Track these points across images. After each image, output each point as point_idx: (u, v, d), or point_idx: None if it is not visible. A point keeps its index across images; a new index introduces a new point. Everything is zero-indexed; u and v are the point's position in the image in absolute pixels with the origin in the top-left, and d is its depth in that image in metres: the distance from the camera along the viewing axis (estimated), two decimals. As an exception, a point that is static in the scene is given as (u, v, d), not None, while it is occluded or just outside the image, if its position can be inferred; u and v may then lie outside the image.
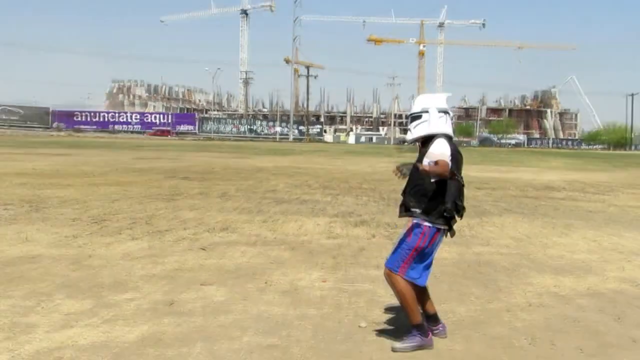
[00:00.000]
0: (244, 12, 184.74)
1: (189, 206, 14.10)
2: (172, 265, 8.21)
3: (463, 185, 5.46)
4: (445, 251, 9.33)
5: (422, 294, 5.60)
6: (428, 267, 5.53)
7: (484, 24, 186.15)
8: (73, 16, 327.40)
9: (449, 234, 5.49)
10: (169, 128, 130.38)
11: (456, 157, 5.38)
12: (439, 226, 5.37)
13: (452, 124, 5.55)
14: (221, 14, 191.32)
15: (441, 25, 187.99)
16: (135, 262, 8.33)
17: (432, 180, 5.25)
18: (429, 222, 5.33)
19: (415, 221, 5.37)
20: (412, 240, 5.36)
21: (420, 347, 5.35)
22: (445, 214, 5.32)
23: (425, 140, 5.40)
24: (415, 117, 5.47)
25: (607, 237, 11.56)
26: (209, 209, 13.66)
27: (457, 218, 5.49)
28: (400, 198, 5.59)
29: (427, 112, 5.42)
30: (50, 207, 13.29)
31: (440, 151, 5.22)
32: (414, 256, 5.38)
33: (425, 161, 5.27)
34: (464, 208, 5.49)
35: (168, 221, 11.85)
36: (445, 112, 5.45)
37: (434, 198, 5.31)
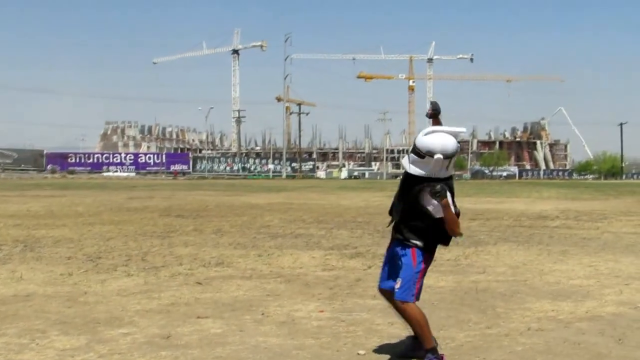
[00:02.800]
0: (235, 52, 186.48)
1: (184, 242, 14.06)
2: (168, 299, 8.15)
3: (459, 214, 5.48)
4: (442, 280, 9.31)
5: None
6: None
7: (472, 59, 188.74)
8: (66, 58, 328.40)
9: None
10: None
11: (451, 189, 5.43)
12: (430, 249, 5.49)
13: (453, 163, 5.34)
14: (213, 55, 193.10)
15: (430, 60, 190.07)
16: (130, 297, 8.27)
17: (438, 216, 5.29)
18: (424, 248, 5.42)
19: (416, 245, 5.40)
20: (417, 264, 5.41)
21: None
22: (444, 245, 5.51)
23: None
24: (418, 153, 5.23)
25: (604, 262, 11.54)
26: (203, 245, 13.62)
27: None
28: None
29: (431, 156, 5.16)
30: (45, 246, 13.23)
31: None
32: (421, 280, 5.48)
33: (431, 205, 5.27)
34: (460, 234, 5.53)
35: (163, 257, 11.80)
36: (452, 157, 5.23)
37: (435, 233, 5.41)
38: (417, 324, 5.42)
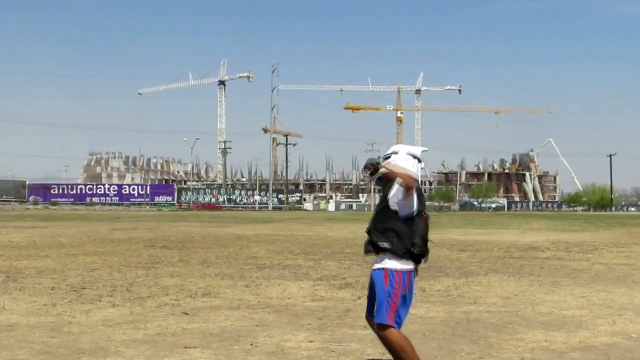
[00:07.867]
0: (222, 83, 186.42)
1: (170, 273, 13.87)
2: (155, 330, 7.99)
3: (428, 224, 5.45)
4: (433, 310, 9.18)
5: None
6: (408, 309, 5.47)
7: (460, 90, 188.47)
8: (48, 88, 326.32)
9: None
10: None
11: (420, 195, 5.40)
12: (409, 267, 5.32)
13: (421, 172, 5.49)
14: (199, 86, 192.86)
15: (418, 92, 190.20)
16: (116, 328, 8.11)
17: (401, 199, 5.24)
18: (400, 265, 5.28)
19: (386, 267, 5.29)
20: (389, 288, 5.27)
21: None
22: (414, 250, 5.28)
23: (389, 181, 5.39)
24: (386, 158, 5.45)
25: (596, 293, 11.45)
26: (190, 276, 13.44)
27: (422, 261, 5.46)
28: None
29: (396, 153, 5.43)
30: (28, 277, 13.02)
31: (405, 165, 5.31)
32: (397, 302, 5.28)
33: (396, 186, 5.31)
34: (428, 251, 5.44)
35: (149, 288, 11.62)
36: (416, 158, 5.42)
37: (402, 237, 5.26)
38: (400, 350, 5.24)
